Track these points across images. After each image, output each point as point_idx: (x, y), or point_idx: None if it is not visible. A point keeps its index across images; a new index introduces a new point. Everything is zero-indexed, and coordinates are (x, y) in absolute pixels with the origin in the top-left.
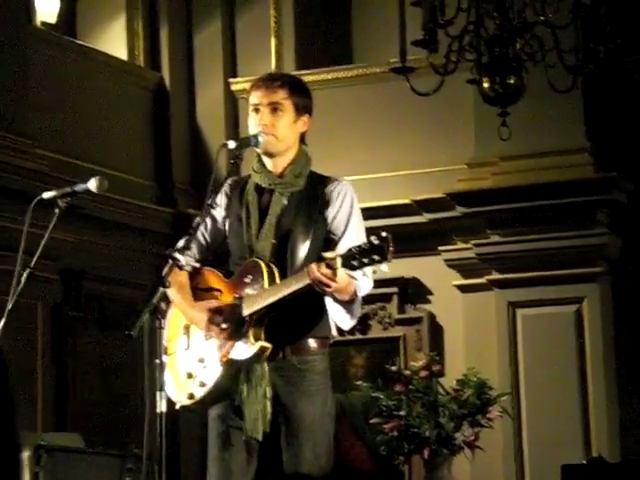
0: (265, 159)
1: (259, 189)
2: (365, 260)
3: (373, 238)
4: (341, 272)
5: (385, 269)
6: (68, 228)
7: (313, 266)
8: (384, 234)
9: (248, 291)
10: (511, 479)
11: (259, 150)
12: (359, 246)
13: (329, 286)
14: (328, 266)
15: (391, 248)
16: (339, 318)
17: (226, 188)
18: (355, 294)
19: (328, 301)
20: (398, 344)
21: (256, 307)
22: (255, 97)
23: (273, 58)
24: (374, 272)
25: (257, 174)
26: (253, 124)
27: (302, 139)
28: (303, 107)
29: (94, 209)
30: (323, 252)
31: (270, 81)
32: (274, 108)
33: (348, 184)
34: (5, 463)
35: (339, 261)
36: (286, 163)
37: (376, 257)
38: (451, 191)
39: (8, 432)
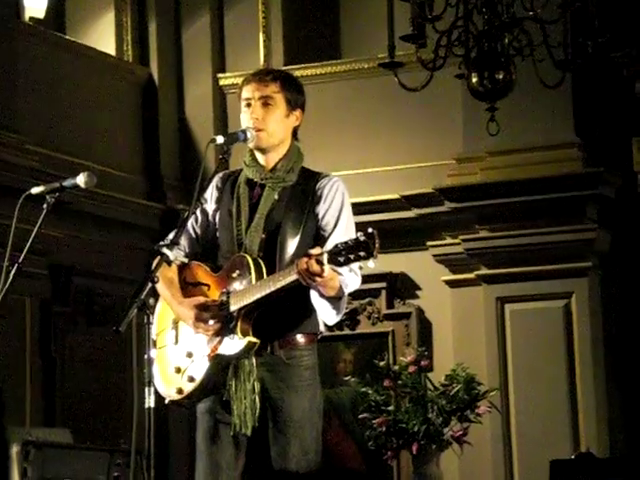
0: (257, 153)
1: (250, 183)
2: (351, 256)
3: (359, 234)
4: (327, 268)
5: (371, 265)
6: (57, 224)
7: (303, 259)
8: (370, 230)
9: (236, 286)
10: (500, 474)
11: (250, 145)
12: (345, 242)
13: (315, 280)
14: (318, 262)
15: (377, 244)
16: (324, 313)
17: (217, 181)
18: (341, 290)
19: (314, 296)
20: (387, 339)
21: (244, 302)
22: (247, 91)
23: (261, 53)
24: (360, 268)
25: (249, 168)
26: (245, 118)
27: (294, 134)
28: (295, 102)
29: (83, 204)
30: (310, 248)
31: (262, 75)
32: (265, 102)
33: (340, 180)
34: None
35: (325, 257)
36: (278, 158)
37: (362, 253)
38: (440, 186)
39: None
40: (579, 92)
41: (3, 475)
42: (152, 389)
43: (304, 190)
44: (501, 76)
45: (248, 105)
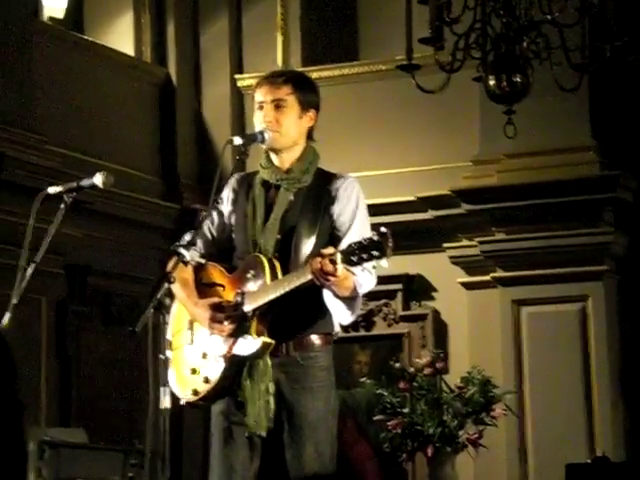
0: (272, 155)
1: (266, 184)
2: (364, 256)
3: (372, 234)
4: (340, 267)
5: (385, 265)
6: (74, 223)
7: (316, 259)
8: (383, 230)
9: (250, 286)
10: (515, 478)
11: (264, 146)
12: (359, 242)
13: (328, 280)
14: (331, 261)
15: (390, 244)
16: (339, 313)
17: (233, 183)
18: (355, 290)
19: (328, 296)
20: (402, 341)
21: (258, 303)
22: (260, 94)
23: (279, 54)
24: (374, 268)
25: (264, 169)
26: (258, 121)
27: (310, 135)
28: (308, 103)
29: (100, 204)
30: (322, 248)
31: (274, 78)
32: (278, 105)
33: (355, 181)
34: (10, 462)
35: (339, 257)
36: (293, 159)
37: (375, 253)
38: (456, 188)
39: (14, 431)
40: (596, 95)
41: (20, 474)
42: (168, 389)
43: (319, 191)
44: (518, 79)
45: (261, 108)
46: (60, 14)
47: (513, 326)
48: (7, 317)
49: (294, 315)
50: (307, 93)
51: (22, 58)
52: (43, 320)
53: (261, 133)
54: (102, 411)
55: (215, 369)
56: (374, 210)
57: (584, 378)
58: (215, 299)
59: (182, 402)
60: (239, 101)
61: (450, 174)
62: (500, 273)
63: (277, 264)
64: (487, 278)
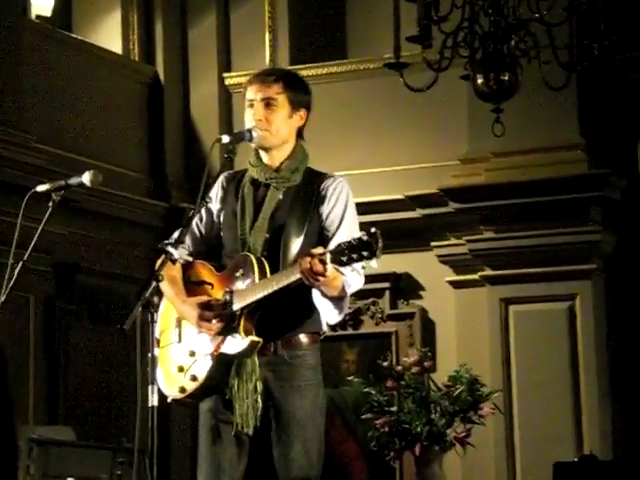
0: (262, 153)
1: (255, 183)
2: (354, 256)
3: (362, 234)
4: (329, 267)
5: (374, 265)
6: (62, 221)
7: (306, 258)
8: (373, 230)
9: (239, 285)
10: (502, 476)
11: (253, 145)
12: (348, 242)
13: (318, 280)
14: (321, 261)
15: (380, 244)
16: (326, 313)
17: (222, 181)
18: (343, 290)
19: (316, 295)
20: (390, 339)
21: (247, 302)
22: (250, 92)
23: (267, 53)
24: (363, 268)
25: (254, 168)
26: (248, 119)
27: (300, 134)
28: (299, 102)
29: (88, 202)
30: (313, 248)
31: (265, 76)
32: (268, 103)
33: (344, 181)
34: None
35: (328, 257)
36: (283, 158)
37: (365, 253)
38: (444, 187)
39: (6, 434)
40: (584, 94)
41: (11, 473)
42: (156, 387)
43: (308, 190)
44: (506, 77)
45: (251, 106)
46: (48, 12)
47: (501, 325)
48: None
49: (282, 314)
50: (298, 92)
51: (10, 56)
52: (31, 318)
53: (249, 131)
54: (90, 409)
55: (202, 367)
56: (362, 209)
57: (572, 377)
58: (203, 297)
59: (169, 400)
60: (227, 99)
61: (438, 173)
62: (488, 272)
63: (266, 263)
64: (475, 277)
